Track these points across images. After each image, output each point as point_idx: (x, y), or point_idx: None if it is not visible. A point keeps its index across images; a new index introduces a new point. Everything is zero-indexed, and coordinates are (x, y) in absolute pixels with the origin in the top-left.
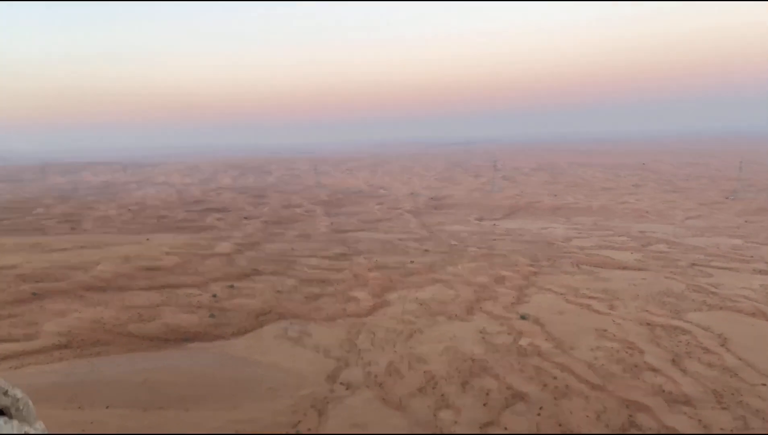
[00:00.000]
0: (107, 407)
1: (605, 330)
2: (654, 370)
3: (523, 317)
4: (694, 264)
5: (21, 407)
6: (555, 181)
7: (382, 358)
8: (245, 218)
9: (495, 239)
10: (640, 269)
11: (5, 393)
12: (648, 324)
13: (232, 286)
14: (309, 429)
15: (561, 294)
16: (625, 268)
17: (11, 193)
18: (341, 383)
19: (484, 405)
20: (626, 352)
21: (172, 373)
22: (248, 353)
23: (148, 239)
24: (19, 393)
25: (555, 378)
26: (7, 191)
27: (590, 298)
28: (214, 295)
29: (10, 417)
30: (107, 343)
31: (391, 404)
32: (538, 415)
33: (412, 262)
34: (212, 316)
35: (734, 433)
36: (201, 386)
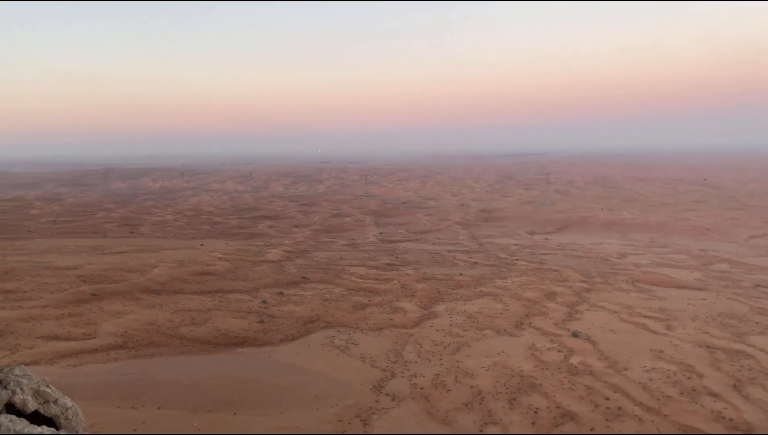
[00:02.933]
0: (159, 408)
1: (661, 351)
2: (713, 395)
3: (574, 335)
4: (758, 285)
5: (70, 417)
6: (610, 195)
7: (428, 370)
8: (295, 226)
9: (546, 254)
10: (700, 289)
11: (55, 402)
12: (708, 346)
13: (281, 293)
14: None
15: (615, 312)
16: (683, 287)
17: (75, 196)
18: (386, 394)
19: (533, 423)
20: (684, 375)
21: (222, 377)
22: (295, 360)
23: (202, 244)
24: (68, 402)
25: (607, 399)
26: (72, 195)
27: (646, 317)
28: (264, 301)
29: (59, 426)
30: (161, 345)
31: (436, 418)
32: None
33: (460, 274)
34: (261, 321)
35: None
36: (249, 391)
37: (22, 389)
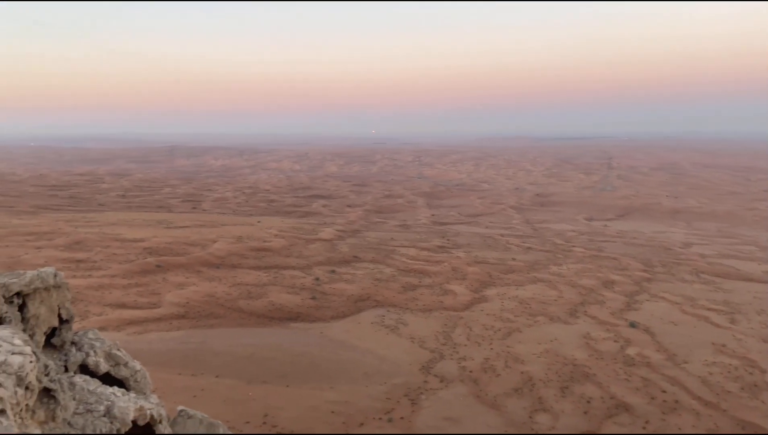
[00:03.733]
0: (217, 376)
1: (724, 345)
2: None
3: (632, 325)
4: None
5: (139, 379)
6: (676, 181)
7: (477, 354)
8: (348, 206)
9: (605, 241)
10: (767, 282)
11: (125, 364)
12: None
13: (333, 271)
14: (402, 417)
15: (676, 303)
16: (750, 279)
17: (143, 172)
18: (435, 375)
19: (585, 413)
20: (745, 370)
21: (276, 350)
22: (346, 337)
23: (259, 221)
24: (137, 365)
25: (664, 391)
26: (140, 171)
27: (709, 309)
28: (317, 279)
29: (128, 388)
30: (219, 316)
31: (485, 402)
32: (643, 428)
33: (513, 259)
34: (314, 298)
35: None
36: (301, 365)
37: (95, 352)
